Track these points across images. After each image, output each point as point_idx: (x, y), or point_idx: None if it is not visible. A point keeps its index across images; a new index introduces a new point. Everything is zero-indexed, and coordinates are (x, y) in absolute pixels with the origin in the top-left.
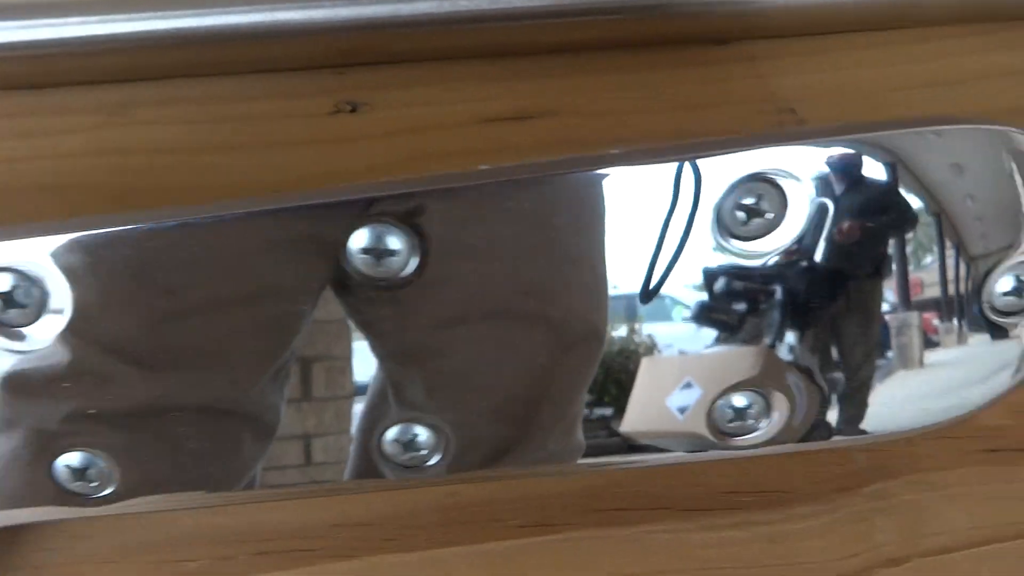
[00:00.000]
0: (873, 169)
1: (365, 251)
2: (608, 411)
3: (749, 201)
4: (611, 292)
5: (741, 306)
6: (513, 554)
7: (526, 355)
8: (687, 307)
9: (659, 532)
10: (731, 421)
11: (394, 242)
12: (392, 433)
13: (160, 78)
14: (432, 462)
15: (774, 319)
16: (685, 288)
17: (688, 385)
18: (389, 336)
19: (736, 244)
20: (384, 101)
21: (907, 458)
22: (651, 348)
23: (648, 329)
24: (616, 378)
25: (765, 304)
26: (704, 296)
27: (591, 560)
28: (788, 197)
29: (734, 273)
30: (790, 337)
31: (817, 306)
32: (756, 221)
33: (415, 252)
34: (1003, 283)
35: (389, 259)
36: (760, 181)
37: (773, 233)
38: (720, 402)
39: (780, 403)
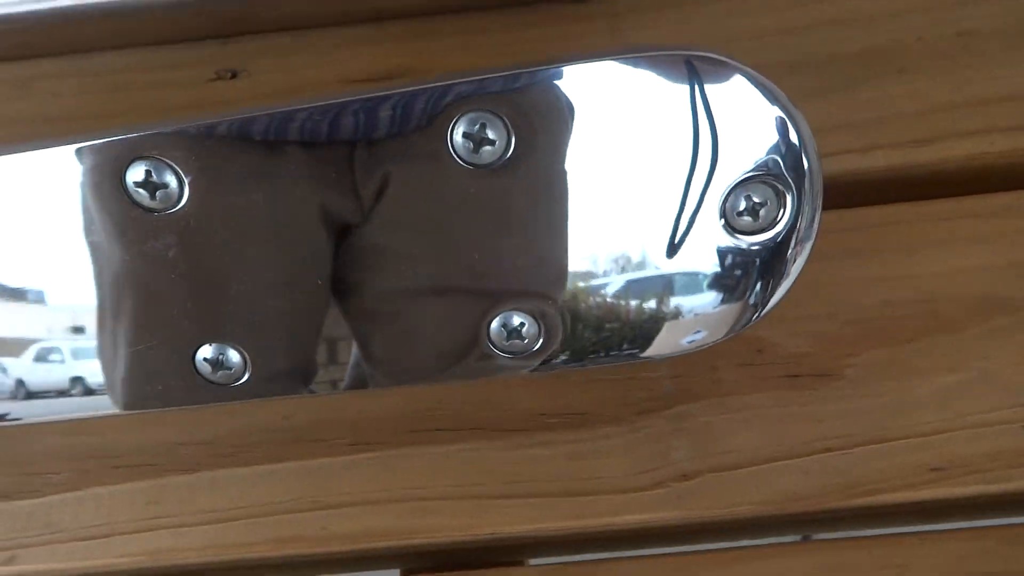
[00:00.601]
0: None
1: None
2: None
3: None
4: None
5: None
6: (337, 469)
7: None
8: None
9: (469, 450)
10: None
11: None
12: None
13: (57, 55)
14: None
15: None
16: None
17: None
18: None
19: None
20: (261, 67)
21: (710, 384)
22: None
23: None
24: None
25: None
26: None
27: (405, 475)
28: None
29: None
30: None
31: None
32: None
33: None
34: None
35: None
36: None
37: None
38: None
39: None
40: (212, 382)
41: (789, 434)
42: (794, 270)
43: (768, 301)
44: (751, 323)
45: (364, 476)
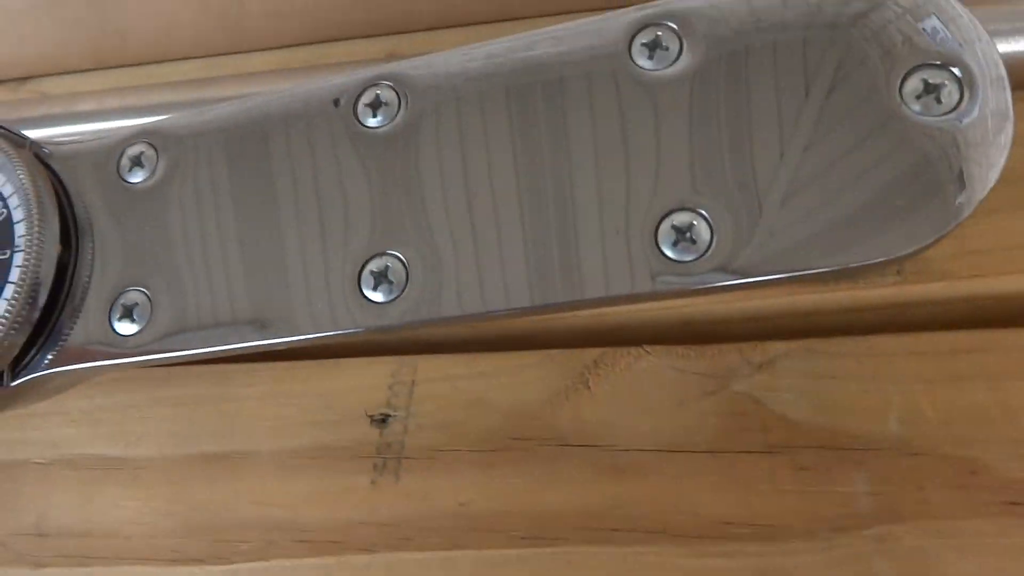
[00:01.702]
0: None
1: None
2: None
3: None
4: None
5: None
6: (513, 561)
7: None
8: None
9: (649, 554)
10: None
11: None
12: None
13: None
14: None
15: None
16: None
17: None
18: None
19: None
20: None
21: (917, 504)
22: None
23: None
24: None
25: None
26: None
27: (581, 574)
28: None
29: None
30: None
31: None
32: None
33: None
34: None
35: None
36: None
37: None
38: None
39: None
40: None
41: (1014, 568)
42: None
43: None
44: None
45: (539, 571)
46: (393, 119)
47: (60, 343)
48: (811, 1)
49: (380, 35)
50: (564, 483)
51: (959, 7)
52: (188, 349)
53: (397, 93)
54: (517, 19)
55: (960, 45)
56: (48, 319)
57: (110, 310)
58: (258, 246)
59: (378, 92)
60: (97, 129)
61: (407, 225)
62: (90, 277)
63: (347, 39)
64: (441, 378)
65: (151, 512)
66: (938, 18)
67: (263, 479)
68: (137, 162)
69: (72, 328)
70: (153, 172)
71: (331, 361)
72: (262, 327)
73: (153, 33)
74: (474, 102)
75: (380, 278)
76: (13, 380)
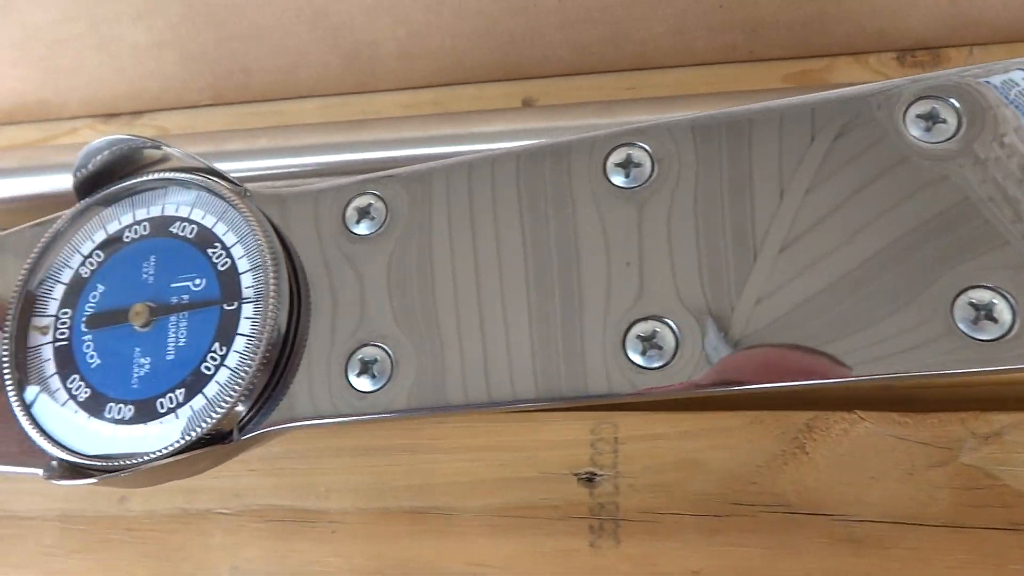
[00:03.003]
0: None
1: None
2: None
3: None
4: None
5: None
6: None
7: None
8: None
9: None
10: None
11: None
12: None
13: None
14: None
15: None
16: None
17: None
18: None
19: None
20: None
21: None
22: None
23: None
24: None
25: None
26: None
27: None
28: None
29: None
30: None
31: None
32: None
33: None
34: None
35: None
36: None
37: None
38: None
39: None
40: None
41: None
42: None
43: None
44: None
45: None
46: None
47: (285, 397)
48: None
49: (512, 79)
50: (799, 553)
51: None
52: (435, 406)
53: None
54: (652, 68)
55: None
56: (277, 372)
57: (346, 365)
58: (508, 303)
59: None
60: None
61: (698, 288)
62: (318, 331)
63: (478, 82)
64: (644, 437)
65: (354, 571)
66: None
67: (471, 538)
68: (365, 213)
69: (303, 382)
70: (382, 224)
71: (523, 415)
72: (515, 387)
73: (278, 71)
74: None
75: (646, 342)
76: (241, 435)
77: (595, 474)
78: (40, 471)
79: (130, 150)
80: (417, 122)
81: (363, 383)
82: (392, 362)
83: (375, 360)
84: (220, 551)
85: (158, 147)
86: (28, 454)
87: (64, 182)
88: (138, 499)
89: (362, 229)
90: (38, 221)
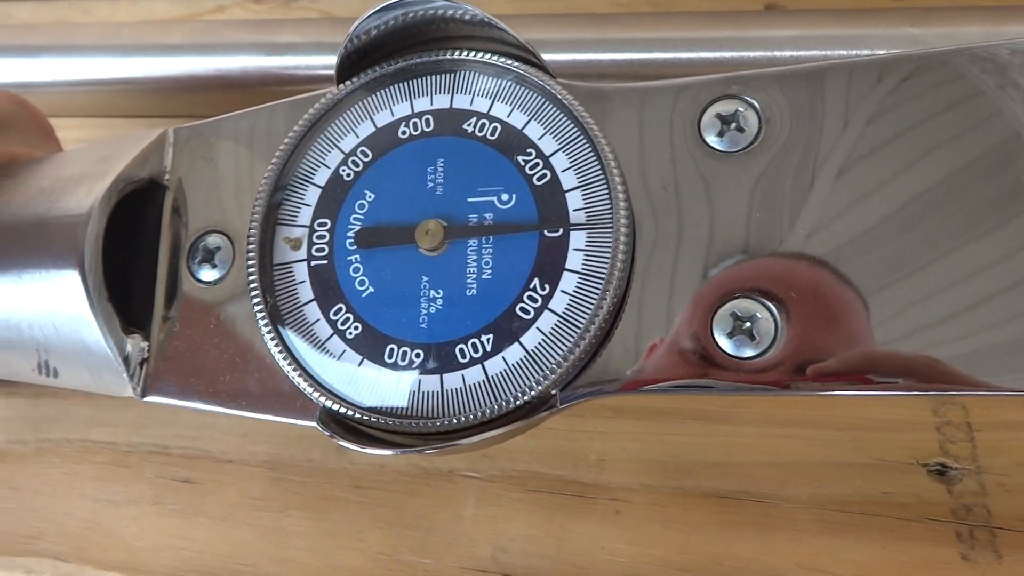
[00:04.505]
0: None
1: None
2: None
3: None
4: None
5: None
6: None
7: None
8: None
9: None
10: None
11: None
12: None
13: None
14: None
15: None
16: None
17: None
18: None
19: None
20: None
21: None
22: None
23: None
24: None
25: None
26: None
27: None
28: None
29: None
30: None
31: None
32: None
33: None
34: None
35: None
36: None
37: None
38: None
39: None
40: None
41: None
42: None
43: None
44: None
45: None
46: None
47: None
48: None
49: None
50: None
51: None
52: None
53: None
54: None
55: None
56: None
57: (711, 322)
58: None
59: None
60: None
61: None
62: (657, 269)
63: None
64: (1001, 424)
65: (654, 563)
66: None
67: (801, 536)
68: (730, 122)
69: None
70: (756, 138)
71: None
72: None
73: None
74: None
75: None
76: (561, 403)
77: (948, 467)
78: (312, 423)
79: (423, 16)
80: (632, 21)
81: (732, 345)
82: (776, 321)
83: (752, 317)
84: (475, 524)
85: (476, 15)
86: (272, 395)
87: (208, 65)
88: None
89: (723, 142)
90: (269, 104)
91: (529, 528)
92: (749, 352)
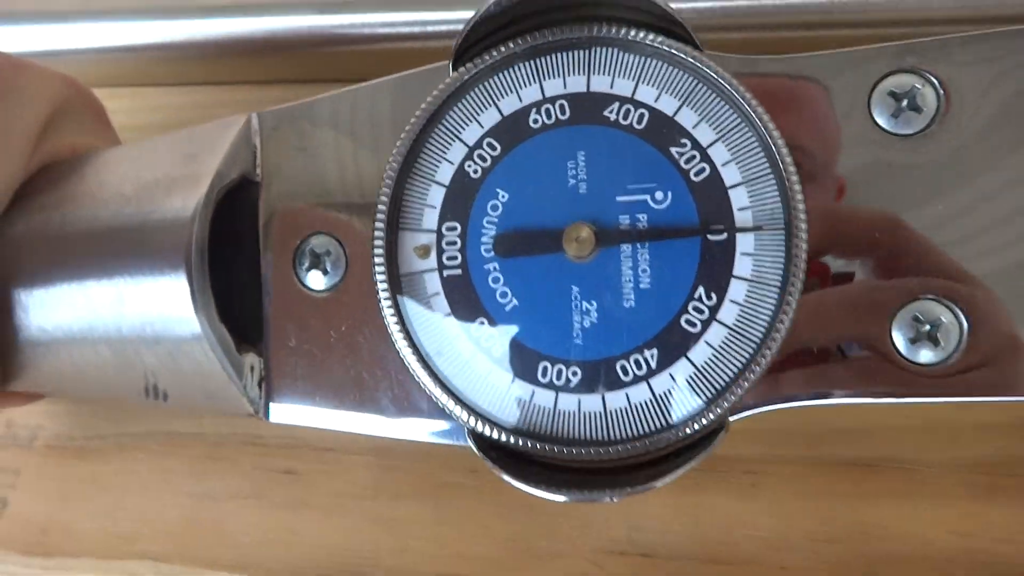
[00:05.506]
0: None
1: None
2: None
3: None
4: None
5: None
6: None
7: None
8: None
9: None
10: None
11: None
12: None
13: None
14: None
15: None
16: None
17: None
18: None
19: None
20: None
21: None
22: None
23: None
24: None
25: None
26: None
27: None
28: None
29: None
30: None
31: None
32: None
33: None
34: None
35: None
36: None
37: None
38: None
39: None
40: None
41: None
42: None
43: None
44: None
45: None
46: None
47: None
48: None
49: None
50: None
51: None
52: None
53: None
54: None
55: None
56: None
57: (890, 322)
58: None
59: None
60: None
61: None
62: None
63: None
64: None
65: (799, 536)
66: None
67: (949, 500)
68: (907, 97)
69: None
70: (934, 117)
71: None
72: None
73: None
74: None
75: None
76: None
77: None
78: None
79: None
80: None
81: (914, 351)
82: (960, 325)
83: (937, 320)
84: (607, 505)
85: None
86: (410, 413)
87: (253, 26)
88: None
89: (897, 124)
90: (370, 83)
91: (663, 506)
92: (931, 358)
